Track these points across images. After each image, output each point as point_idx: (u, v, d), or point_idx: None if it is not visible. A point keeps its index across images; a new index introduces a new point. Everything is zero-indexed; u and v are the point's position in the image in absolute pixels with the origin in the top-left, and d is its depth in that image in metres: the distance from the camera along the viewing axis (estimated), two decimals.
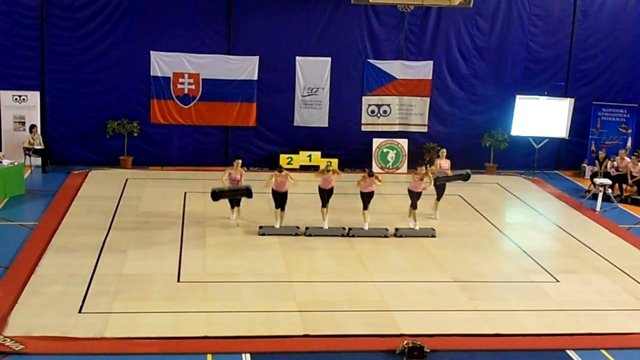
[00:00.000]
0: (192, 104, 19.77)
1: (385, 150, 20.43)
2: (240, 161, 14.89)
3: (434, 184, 15.26)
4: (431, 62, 20.44)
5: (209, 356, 9.38)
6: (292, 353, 9.62)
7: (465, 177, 16.23)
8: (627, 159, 18.78)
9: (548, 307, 11.43)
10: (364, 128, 20.62)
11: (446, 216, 15.90)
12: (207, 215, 15.21)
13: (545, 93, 20.52)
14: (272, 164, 18.90)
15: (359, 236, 14.39)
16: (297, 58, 19.91)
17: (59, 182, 17.68)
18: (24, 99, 18.95)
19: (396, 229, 14.66)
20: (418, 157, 20.19)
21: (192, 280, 11.93)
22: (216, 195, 14.30)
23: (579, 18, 20.64)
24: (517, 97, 20.47)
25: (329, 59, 20.02)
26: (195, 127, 19.96)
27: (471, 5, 17.16)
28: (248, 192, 14.36)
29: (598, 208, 17.06)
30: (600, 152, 19.33)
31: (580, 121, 20.74)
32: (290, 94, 20.12)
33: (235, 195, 14.59)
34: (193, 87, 19.65)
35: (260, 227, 14.41)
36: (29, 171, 18.30)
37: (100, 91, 19.32)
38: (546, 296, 11.87)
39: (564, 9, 20.60)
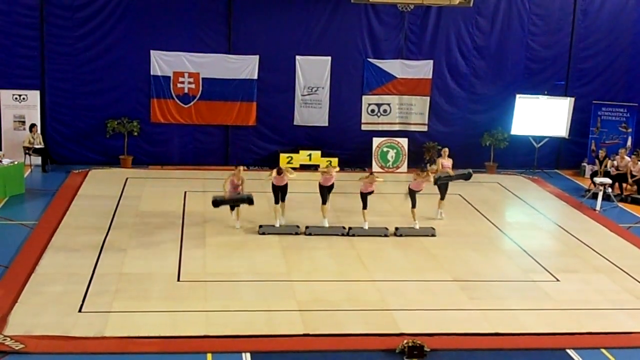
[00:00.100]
0: (192, 103, 19.76)
1: (385, 149, 20.42)
2: (242, 168, 14.87)
3: (436, 184, 15.27)
4: (431, 62, 20.44)
5: (209, 355, 9.38)
6: (292, 352, 9.62)
7: (467, 177, 16.19)
8: (627, 158, 18.78)
9: (548, 306, 11.42)
10: (364, 127, 20.62)
11: (446, 215, 15.88)
12: (207, 215, 15.20)
13: (545, 92, 20.51)
14: (272, 164, 18.88)
15: (359, 235, 14.38)
16: (297, 57, 19.90)
17: (59, 181, 17.67)
18: (24, 98, 18.94)
19: (396, 228, 14.66)
20: (418, 156, 20.26)
21: (192, 279, 11.92)
22: (217, 203, 14.37)
23: (578, 17, 20.64)
24: (517, 96, 20.46)
25: (329, 58, 20.01)
26: (195, 126, 19.96)
27: (471, 4, 17.16)
28: (249, 201, 14.37)
29: (598, 207, 17.06)
30: (600, 151, 19.31)
31: (580, 120, 20.72)
32: (290, 93, 20.12)
33: (236, 203, 14.59)
34: (193, 86, 19.65)
35: (260, 227, 14.41)
36: (29, 170, 18.29)
37: (100, 90, 19.31)
38: (546, 295, 11.86)
39: (563, 8, 20.59)
